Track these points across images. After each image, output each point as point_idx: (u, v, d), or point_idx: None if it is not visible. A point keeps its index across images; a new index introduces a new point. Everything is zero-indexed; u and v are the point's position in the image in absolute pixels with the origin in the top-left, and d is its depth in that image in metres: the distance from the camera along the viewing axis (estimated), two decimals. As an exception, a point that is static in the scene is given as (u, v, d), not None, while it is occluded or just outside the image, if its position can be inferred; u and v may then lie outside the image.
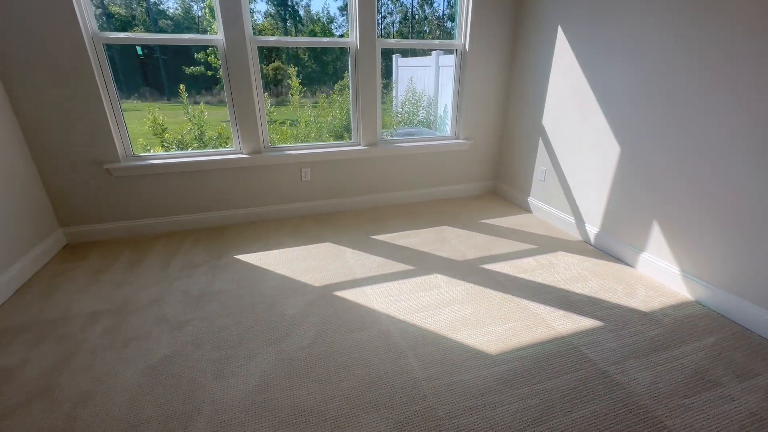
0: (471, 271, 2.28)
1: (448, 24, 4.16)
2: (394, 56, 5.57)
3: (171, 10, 3.56)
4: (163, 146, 3.51)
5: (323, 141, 3.90)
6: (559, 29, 2.66)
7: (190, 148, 3.50)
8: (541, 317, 1.86)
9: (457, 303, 1.98)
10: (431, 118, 5.27)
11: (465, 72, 3.16)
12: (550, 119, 2.87)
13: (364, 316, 1.88)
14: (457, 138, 3.39)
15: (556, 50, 2.71)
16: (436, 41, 3.41)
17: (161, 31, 3.26)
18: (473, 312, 1.90)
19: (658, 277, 2.18)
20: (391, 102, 5.84)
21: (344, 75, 2.91)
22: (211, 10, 3.02)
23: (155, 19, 3.46)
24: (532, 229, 2.89)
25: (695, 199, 1.94)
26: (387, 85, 6.31)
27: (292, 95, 3.88)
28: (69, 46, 2.24)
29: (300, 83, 3.87)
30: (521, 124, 3.20)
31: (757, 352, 1.64)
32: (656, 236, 2.18)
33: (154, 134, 3.49)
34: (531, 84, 3.02)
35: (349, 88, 2.99)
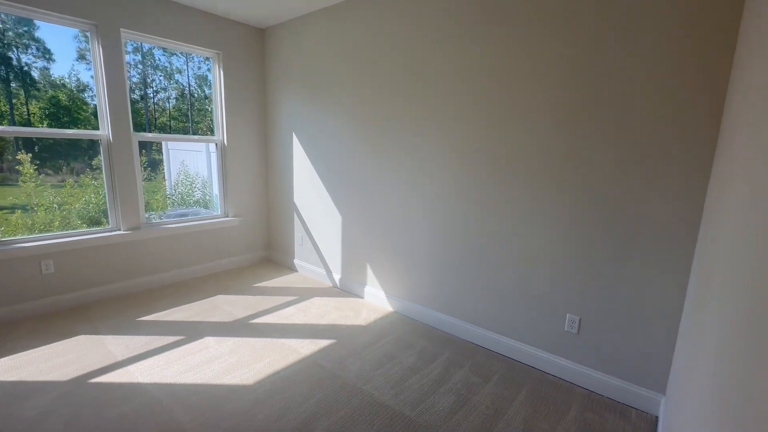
0: (240, 328, 2.67)
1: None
2: (163, 141, 5.65)
3: None
4: None
5: (72, 228, 3.55)
6: (294, 135, 3.66)
7: None
8: (293, 348, 2.43)
9: (224, 356, 2.32)
10: (207, 198, 5.55)
11: (226, 161, 3.75)
12: (299, 197, 3.75)
13: (127, 393, 1.95)
14: (227, 216, 3.85)
15: (294, 148, 3.68)
16: (196, 137, 3.90)
17: None
18: (238, 359, 2.29)
19: (375, 301, 3.18)
20: (164, 183, 5.77)
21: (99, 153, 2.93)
22: None
23: None
24: (296, 284, 3.56)
25: (382, 245, 3.06)
26: (157, 166, 6.20)
27: (23, 182, 3.44)
28: None
29: (36, 168, 3.49)
30: (280, 202, 3.99)
31: (420, 333, 2.70)
32: (370, 274, 3.21)
33: None
34: (282, 171, 3.88)
35: (102, 171, 3.02)
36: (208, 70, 3.68)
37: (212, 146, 3.78)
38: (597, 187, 1.97)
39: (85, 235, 2.93)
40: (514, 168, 2.25)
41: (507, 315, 2.40)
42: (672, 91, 1.72)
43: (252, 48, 3.74)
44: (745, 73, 1.24)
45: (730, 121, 1.40)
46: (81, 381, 2.03)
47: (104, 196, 3.07)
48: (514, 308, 2.36)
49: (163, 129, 7.12)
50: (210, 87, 3.69)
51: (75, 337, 2.47)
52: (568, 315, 2.14)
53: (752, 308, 0.71)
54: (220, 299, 3.15)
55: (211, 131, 3.77)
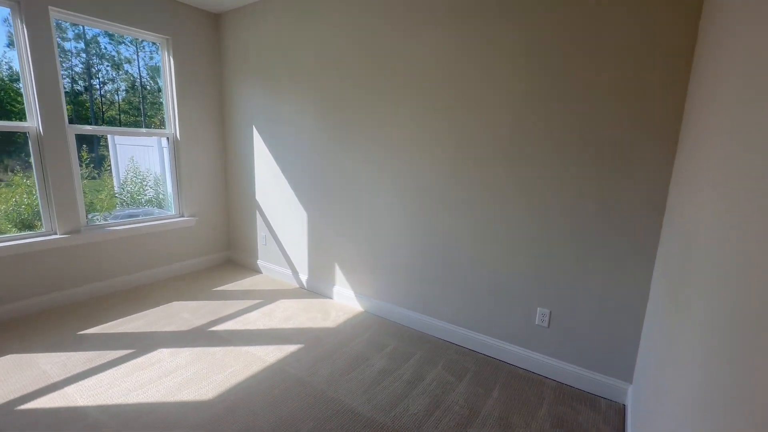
0: (198, 337, 2.46)
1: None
2: (109, 135, 5.17)
3: None
4: None
5: None
6: (254, 128, 3.44)
7: None
8: (257, 356, 2.27)
9: (180, 369, 2.12)
10: (161, 197, 5.15)
11: (180, 157, 3.47)
12: (261, 194, 3.54)
13: (64, 418, 1.72)
14: (182, 216, 3.57)
15: (255, 142, 3.46)
16: (144, 130, 3.59)
17: None
18: (196, 372, 2.10)
19: (345, 301, 3.06)
20: (111, 181, 5.30)
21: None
22: None
23: None
24: (261, 286, 3.37)
25: (350, 243, 2.94)
26: (103, 163, 5.70)
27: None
28: None
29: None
30: (241, 199, 3.76)
31: (391, 332, 2.62)
32: (339, 273, 3.08)
33: None
34: (242, 166, 3.65)
35: (33, 168, 2.68)
36: (159, 58, 3.37)
37: (164, 141, 3.48)
38: (566, 185, 1.96)
39: (12, 240, 2.59)
40: (484, 166, 2.21)
41: (479, 311, 2.37)
42: (640, 94, 1.72)
43: (206, 34, 3.47)
44: (703, 79, 1.24)
45: (690, 125, 1.42)
46: (7, 408, 1.77)
47: (37, 196, 2.73)
48: (486, 304, 2.34)
49: (112, 123, 6.54)
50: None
51: (1, 358, 2.17)
52: (538, 309, 2.14)
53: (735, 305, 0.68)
54: (176, 306, 2.90)
55: (164, 125, 3.47)
